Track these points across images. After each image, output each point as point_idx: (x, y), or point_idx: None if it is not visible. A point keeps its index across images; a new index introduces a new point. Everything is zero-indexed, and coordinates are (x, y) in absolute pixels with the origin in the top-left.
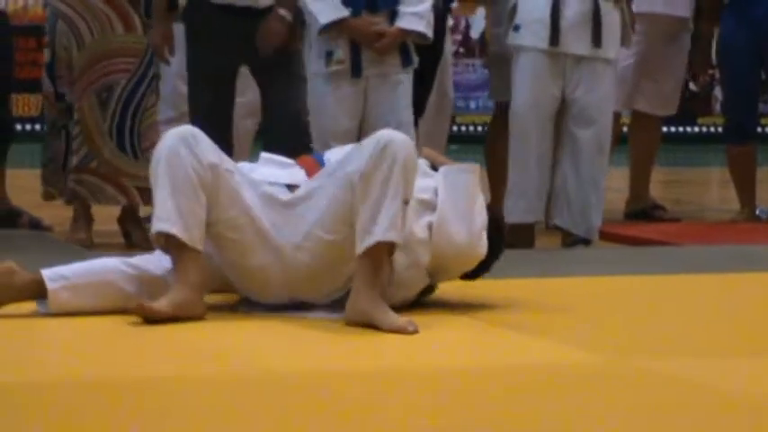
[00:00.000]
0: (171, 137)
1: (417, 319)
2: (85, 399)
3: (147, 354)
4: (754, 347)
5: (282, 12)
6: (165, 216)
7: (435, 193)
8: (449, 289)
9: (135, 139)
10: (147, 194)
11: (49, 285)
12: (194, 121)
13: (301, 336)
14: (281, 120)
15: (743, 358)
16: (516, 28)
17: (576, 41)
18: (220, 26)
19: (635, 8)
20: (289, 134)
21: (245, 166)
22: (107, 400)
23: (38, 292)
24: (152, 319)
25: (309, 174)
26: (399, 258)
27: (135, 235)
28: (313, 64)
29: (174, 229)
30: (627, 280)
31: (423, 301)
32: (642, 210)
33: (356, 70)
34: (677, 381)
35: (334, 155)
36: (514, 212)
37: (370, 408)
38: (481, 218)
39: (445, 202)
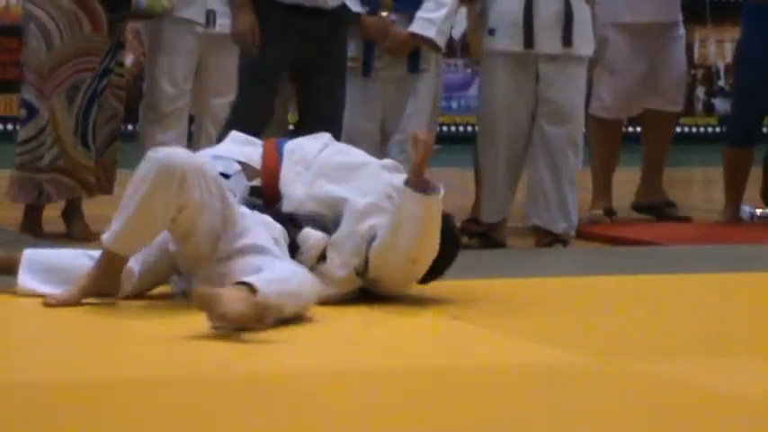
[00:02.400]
0: (163, 165)
1: (405, 320)
2: (81, 399)
3: (139, 354)
4: (741, 347)
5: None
6: (119, 235)
7: (388, 198)
8: (431, 290)
9: (93, 134)
10: (106, 183)
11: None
12: (237, 117)
13: (293, 335)
14: (322, 122)
15: (731, 358)
16: (491, 32)
17: (548, 41)
18: (285, 25)
19: (630, 19)
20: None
21: (210, 150)
22: (102, 400)
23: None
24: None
25: (266, 157)
26: (333, 257)
27: (75, 229)
28: None
29: (116, 248)
30: (612, 280)
31: (406, 301)
32: (655, 204)
33: (366, 69)
34: (664, 381)
35: (295, 144)
36: (488, 214)
37: (352, 406)
38: (430, 242)
39: (396, 225)
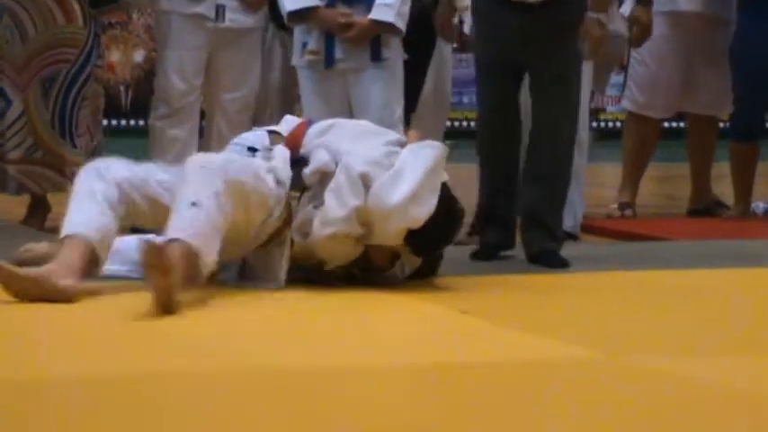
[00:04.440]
0: (83, 173)
1: (414, 313)
2: (79, 396)
3: (141, 349)
4: (749, 344)
5: (600, 16)
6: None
7: (387, 156)
8: (440, 283)
9: (72, 128)
10: None
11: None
12: (483, 116)
13: (291, 329)
14: (541, 135)
15: (740, 355)
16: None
17: None
18: (500, 20)
19: (671, 7)
20: (545, 143)
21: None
22: (100, 396)
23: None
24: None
25: (295, 128)
26: (331, 199)
27: None
28: (295, 56)
29: (70, 231)
30: (621, 275)
31: (415, 295)
32: (706, 207)
33: (328, 61)
34: (673, 377)
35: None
36: None
37: (359, 404)
38: (430, 191)
39: (400, 166)
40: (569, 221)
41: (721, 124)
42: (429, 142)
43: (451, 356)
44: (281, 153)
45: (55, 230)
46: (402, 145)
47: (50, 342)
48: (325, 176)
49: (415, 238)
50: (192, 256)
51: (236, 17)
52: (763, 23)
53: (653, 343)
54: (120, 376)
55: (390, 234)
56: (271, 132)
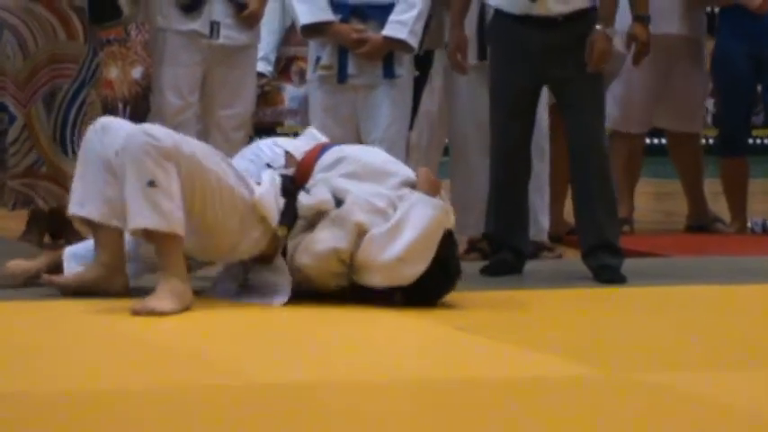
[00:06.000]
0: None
1: (409, 329)
2: (82, 410)
3: (140, 364)
4: (747, 359)
5: (607, 30)
6: (75, 199)
7: (391, 205)
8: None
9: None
10: None
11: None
12: (498, 154)
13: (287, 344)
14: (580, 145)
15: (738, 370)
16: (447, 46)
17: None
18: (523, 37)
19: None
20: (588, 159)
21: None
22: (103, 411)
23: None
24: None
25: (308, 151)
26: (318, 230)
27: (66, 236)
28: (308, 70)
29: (84, 212)
30: (617, 291)
31: (411, 310)
32: (704, 223)
33: (341, 76)
34: (671, 393)
35: (347, 146)
36: (467, 228)
37: (357, 420)
38: (423, 252)
39: (398, 222)
40: (533, 228)
41: (708, 141)
42: (434, 201)
43: (446, 372)
44: (270, 178)
45: (53, 247)
46: (410, 185)
47: (49, 356)
48: (321, 213)
49: (406, 288)
50: None
51: (230, 34)
52: (738, 41)
53: (651, 358)
54: (121, 391)
55: (373, 283)
56: (287, 153)
